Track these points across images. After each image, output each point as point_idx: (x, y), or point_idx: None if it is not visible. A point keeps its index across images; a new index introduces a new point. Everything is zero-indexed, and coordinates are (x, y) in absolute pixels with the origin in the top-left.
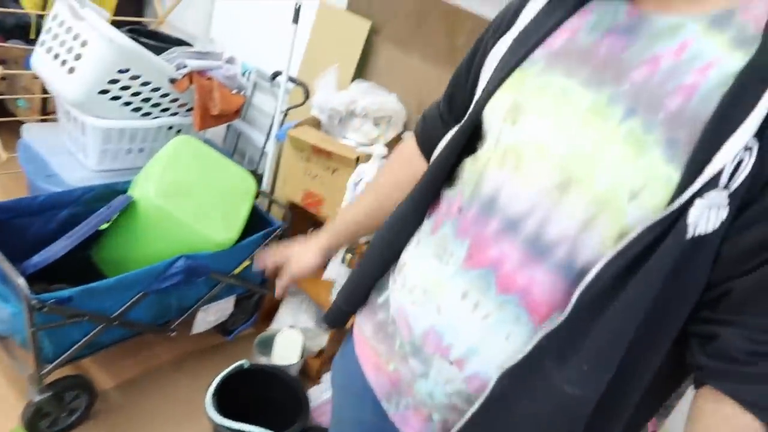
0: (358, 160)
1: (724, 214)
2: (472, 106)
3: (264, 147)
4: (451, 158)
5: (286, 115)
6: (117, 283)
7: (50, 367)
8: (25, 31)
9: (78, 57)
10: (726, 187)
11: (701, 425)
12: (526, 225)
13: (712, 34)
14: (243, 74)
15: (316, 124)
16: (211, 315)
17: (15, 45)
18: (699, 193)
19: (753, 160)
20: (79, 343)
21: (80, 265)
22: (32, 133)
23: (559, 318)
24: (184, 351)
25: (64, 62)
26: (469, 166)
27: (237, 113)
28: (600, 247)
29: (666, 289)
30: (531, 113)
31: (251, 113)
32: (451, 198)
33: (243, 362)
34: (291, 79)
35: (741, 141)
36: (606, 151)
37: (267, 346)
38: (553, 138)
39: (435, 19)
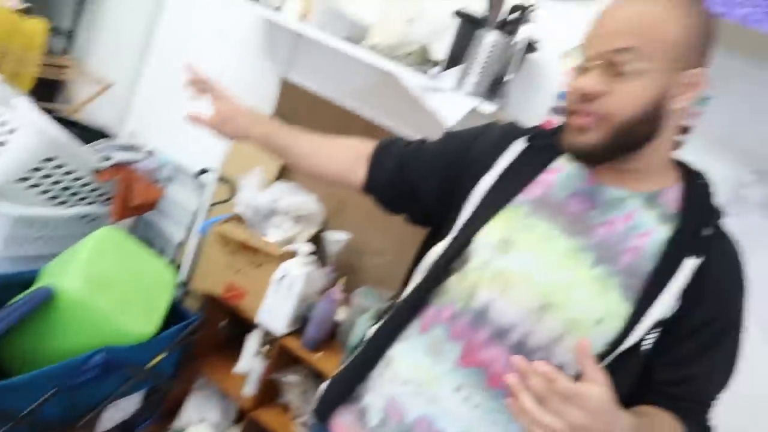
0: (282, 256)
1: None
2: (459, 231)
3: (186, 239)
4: (444, 274)
5: (210, 209)
6: (33, 379)
7: None
8: None
9: (1, 144)
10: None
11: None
12: (512, 335)
13: (646, 210)
14: (160, 167)
15: (241, 220)
16: (118, 411)
17: None
18: (649, 331)
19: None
20: None
21: None
22: None
23: None
24: None
25: None
26: (458, 282)
27: (153, 205)
28: (569, 357)
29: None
30: (520, 247)
31: (164, 204)
32: (442, 306)
33: None
34: (220, 178)
35: (673, 294)
36: (579, 287)
37: None
38: (537, 269)
39: (356, 133)
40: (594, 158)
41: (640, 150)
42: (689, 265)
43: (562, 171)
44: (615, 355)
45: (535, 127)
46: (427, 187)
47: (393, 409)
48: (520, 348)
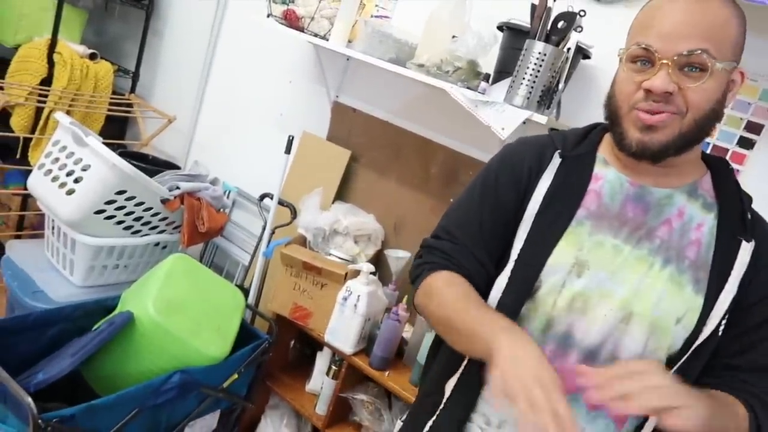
0: (346, 276)
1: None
2: (519, 259)
3: (250, 262)
4: (519, 306)
5: (273, 233)
6: (117, 399)
7: None
8: (4, 150)
9: (78, 180)
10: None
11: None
12: (602, 353)
13: (692, 202)
14: (224, 193)
15: (303, 241)
16: (198, 431)
17: None
18: (724, 316)
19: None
20: None
21: (61, 382)
22: (15, 249)
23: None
24: None
25: (63, 184)
26: (530, 309)
27: (220, 230)
28: (651, 356)
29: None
30: (594, 266)
31: (230, 229)
32: None
33: None
34: (281, 202)
35: (736, 279)
36: (656, 289)
37: None
38: (614, 285)
39: (410, 149)
40: (662, 156)
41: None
42: (746, 249)
43: (604, 178)
44: (695, 347)
45: (556, 135)
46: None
47: None
48: (613, 363)
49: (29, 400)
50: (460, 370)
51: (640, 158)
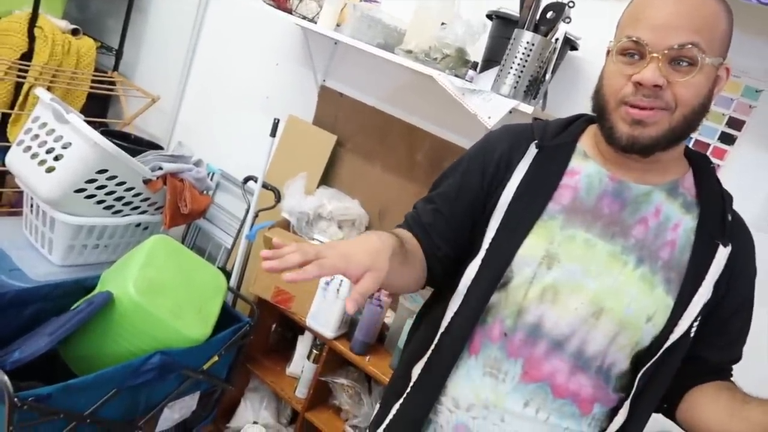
0: None
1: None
2: (490, 249)
3: (232, 245)
4: (488, 295)
5: (256, 216)
6: (95, 379)
7: None
8: None
9: (58, 157)
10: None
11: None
12: (570, 344)
13: (670, 201)
14: (208, 175)
15: (287, 225)
16: (176, 412)
17: None
18: (696, 318)
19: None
20: None
21: (39, 361)
22: None
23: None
24: None
25: (42, 162)
26: (502, 299)
27: (203, 212)
28: (620, 354)
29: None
30: (564, 260)
31: (213, 211)
32: (487, 326)
33: None
34: (264, 185)
35: (710, 283)
36: (628, 289)
37: None
38: (585, 278)
39: (396, 136)
40: (652, 150)
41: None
42: (722, 254)
43: (582, 172)
44: (666, 347)
45: (537, 124)
46: (464, 241)
47: None
48: (580, 355)
49: (5, 378)
50: (427, 355)
51: (629, 152)
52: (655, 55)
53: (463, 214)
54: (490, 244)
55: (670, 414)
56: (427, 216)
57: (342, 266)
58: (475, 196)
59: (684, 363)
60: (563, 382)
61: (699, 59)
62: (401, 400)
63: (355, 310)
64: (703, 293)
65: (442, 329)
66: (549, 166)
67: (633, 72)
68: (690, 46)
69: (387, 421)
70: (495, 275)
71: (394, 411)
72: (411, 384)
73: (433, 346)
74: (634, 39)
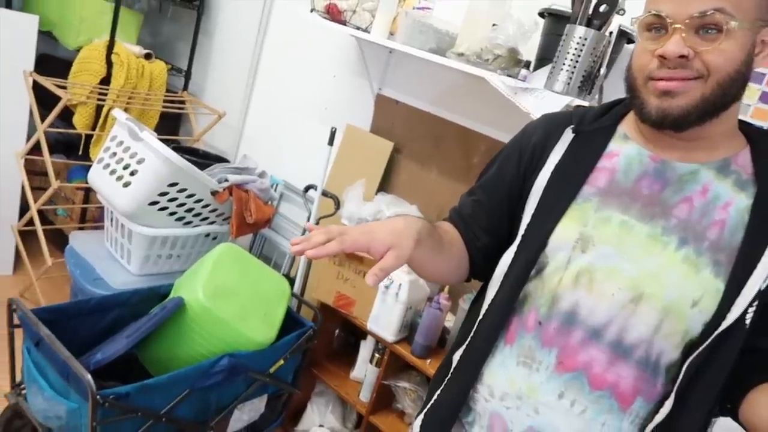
0: None
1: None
2: (525, 235)
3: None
4: (522, 282)
5: (317, 223)
6: (169, 380)
7: None
8: (68, 147)
9: (134, 173)
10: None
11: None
12: (608, 332)
13: (720, 179)
14: (271, 186)
15: None
16: (245, 414)
17: (58, 159)
18: (751, 304)
19: None
20: None
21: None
22: (78, 240)
23: (662, 411)
24: None
25: (120, 177)
26: (538, 287)
27: (268, 222)
28: (667, 344)
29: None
30: (598, 242)
31: (277, 221)
32: (524, 314)
33: None
34: (324, 193)
35: (766, 268)
36: (669, 272)
37: None
38: (622, 262)
39: (452, 140)
40: (684, 123)
41: (723, 114)
42: None
43: (621, 154)
44: (717, 335)
45: (577, 110)
46: (504, 230)
47: (498, 426)
48: (619, 344)
49: (89, 377)
50: (467, 342)
51: (661, 126)
52: (677, 26)
53: (501, 204)
54: (525, 230)
55: (734, 415)
56: (467, 207)
57: (364, 242)
58: (512, 184)
59: (743, 356)
60: (600, 372)
61: (724, 25)
62: (442, 386)
63: (375, 284)
64: (760, 276)
65: (480, 317)
66: (585, 149)
67: (657, 47)
68: (712, 11)
69: (428, 406)
70: (529, 261)
71: (435, 397)
72: (451, 370)
73: (471, 335)
74: (654, 12)
